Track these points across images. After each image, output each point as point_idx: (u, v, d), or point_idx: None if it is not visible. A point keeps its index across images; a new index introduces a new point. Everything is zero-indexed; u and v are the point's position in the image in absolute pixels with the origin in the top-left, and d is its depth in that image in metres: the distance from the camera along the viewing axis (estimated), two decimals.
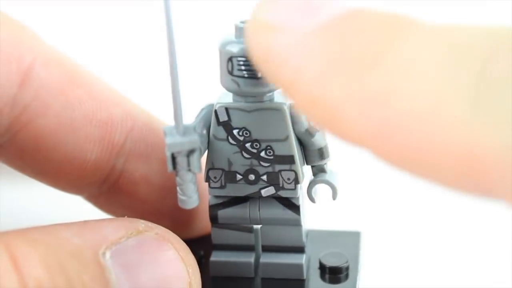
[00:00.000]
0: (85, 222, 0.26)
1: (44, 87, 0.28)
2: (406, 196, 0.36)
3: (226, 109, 0.28)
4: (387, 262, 0.33)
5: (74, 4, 0.50)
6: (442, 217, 0.35)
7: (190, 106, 0.29)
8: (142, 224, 0.26)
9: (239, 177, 0.28)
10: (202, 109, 0.29)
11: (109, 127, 0.30)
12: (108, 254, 0.25)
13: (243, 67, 0.27)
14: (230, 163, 0.28)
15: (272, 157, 0.28)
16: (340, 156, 0.31)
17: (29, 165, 0.30)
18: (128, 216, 0.30)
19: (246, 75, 0.27)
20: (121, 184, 0.31)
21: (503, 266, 0.32)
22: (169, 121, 0.27)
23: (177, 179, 0.27)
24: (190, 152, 0.26)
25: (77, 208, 0.32)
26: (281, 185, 0.28)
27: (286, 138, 0.28)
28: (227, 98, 0.28)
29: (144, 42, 0.48)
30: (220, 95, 0.28)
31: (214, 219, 0.29)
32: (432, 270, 0.32)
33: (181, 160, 0.26)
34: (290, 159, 0.28)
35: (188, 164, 0.26)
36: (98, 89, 0.30)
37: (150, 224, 0.27)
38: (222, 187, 0.29)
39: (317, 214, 0.32)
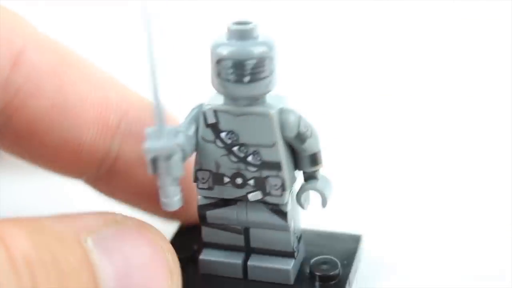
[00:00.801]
0: (64, 214, 0.26)
1: (36, 70, 0.28)
2: (408, 199, 0.35)
3: (215, 111, 0.27)
4: (388, 265, 0.32)
5: (64, 4, 0.50)
6: (443, 220, 0.34)
7: (184, 105, 0.29)
8: (119, 215, 0.27)
9: (226, 179, 0.28)
10: (193, 109, 0.28)
11: (103, 108, 0.30)
12: (89, 240, 0.25)
13: (230, 70, 0.26)
14: (218, 165, 0.28)
15: (259, 163, 0.27)
16: (341, 159, 0.30)
17: (26, 150, 0.30)
18: (126, 199, 0.30)
19: (232, 79, 0.26)
20: (118, 167, 0.31)
21: (504, 271, 0.31)
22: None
23: (158, 181, 0.26)
24: (169, 157, 0.26)
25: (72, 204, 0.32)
26: (267, 191, 0.28)
27: (273, 145, 0.27)
28: (219, 99, 0.28)
29: (126, 41, 0.48)
30: (212, 95, 0.28)
31: (203, 219, 0.29)
32: (433, 273, 0.31)
33: (161, 164, 0.26)
34: (277, 166, 0.27)
35: (168, 168, 0.26)
36: (92, 72, 0.30)
37: (127, 216, 0.27)
38: (210, 188, 0.28)
39: (320, 214, 0.32)
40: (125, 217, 0.27)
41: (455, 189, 0.36)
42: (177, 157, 0.26)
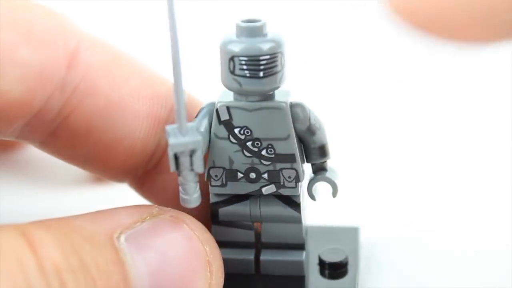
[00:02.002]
0: (99, 211, 0.26)
1: (91, 68, 0.29)
2: (405, 192, 0.37)
3: (228, 108, 0.28)
4: (385, 257, 0.33)
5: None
6: (442, 213, 0.35)
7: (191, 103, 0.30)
8: (156, 208, 0.27)
9: (240, 175, 0.29)
10: (203, 108, 0.29)
11: (154, 103, 0.30)
12: (122, 238, 0.25)
13: (245, 67, 0.27)
14: (231, 162, 0.28)
15: (273, 156, 0.28)
16: (340, 154, 0.31)
17: (80, 150, 0.30)
18: (170, 198, 0.30)
19: (248, 75, 0.27)
20: (165, 163, 0.30)
21: (505, 265, 0.32)
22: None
23: (180, 178, 0.27)
24: (193, 152, 0.26)
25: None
26: (282, 183, 0.29)
27: (287, 137, 0.28)
28: (228, 96, 0.28)
29: (148, 40, 0.48)
30: (221, 93, 0.28)
31: (214, 217, 0.30)
32: (432, 266, 0.32)
33: (184, 160, 0.26)
34: (291, 158, 0.28)
35: (191, 164, 0.26)
36: (141, 68, 0.30)
37: (164, 208, 0.27)
38: (223, 185, 0.29)
39: (316, 210, 0.33)
40: (162, 209, 0.27)
41: (453, 185, 0.37)
42: (199, 153, 0.26)
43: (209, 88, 0.29)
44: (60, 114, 0.29)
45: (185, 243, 0.26)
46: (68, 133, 0.29)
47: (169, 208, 0.27)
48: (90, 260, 0.24)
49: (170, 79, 0.25)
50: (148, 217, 0.26)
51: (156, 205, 0.27)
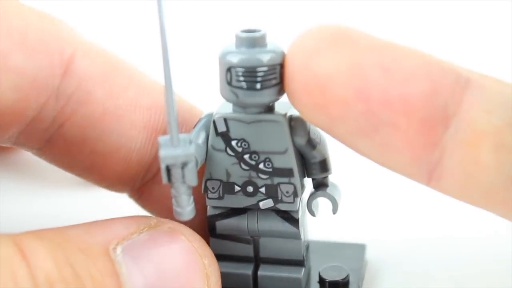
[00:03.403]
0: (95, 221, 0.26)
1: (86, 76, 0.28)
2: (413, 207, 0.36)
3: (225, 119, 0.27)
4: (391, 278, 0.32)
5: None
6: (449, 229, 0.34)
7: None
8: (153, 219, 0.26)
9: (237, 188, 0.28)
10: (201, 119, 0.28)
11: (152, 113, 0.29)
12: (119, 249, 0.25)
13: (241, 78, 0.26)
14: (228, 174, 0.28)
15: (271, 170, 0.28)
16: (345, 167, 0.30)
17: (76, 159, 0.30)
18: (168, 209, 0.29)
19: (245, 86, 0.26)
20: None
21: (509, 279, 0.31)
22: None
23: (172, 190, 0.26)
24: (184, 165, 0.25)
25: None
26: (279, 198, 0.28)
27: (285, 151, 0.27)
28: (227, 107, 0.28)
29: (148, 46, 0.48)
30: (220, 104, 0.28)
31: (212, 230, 0.29)
32: (439, 282, 0.31)
33: (176, 172, 0.26)
34: (289, 172, 0.27)
35: (183, 176, 0.26)
36: (139, 77, 0.30)
37: (162, 219, 0.27)
38: (220, 198, 0.28)
39: (323, 225, 0.32)
40: (160, 220, 0.26)
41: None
42: (192, 165, 0.26)
43: (211, 97, 0.29)
44: (55, 122, 0.28)
45: (183, 256, 0.26)
46: (63, 141, 0.29)
47: (168, 220, 0.27)
48: (84, 272, 0.23)
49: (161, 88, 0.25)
50: (146, 228, 0.26)
51: (154, 217, 0.27)
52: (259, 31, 0.27)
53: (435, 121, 0.24)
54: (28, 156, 0.40)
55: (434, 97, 0.24)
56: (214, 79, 0.28)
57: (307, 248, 0.30)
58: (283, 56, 0.26)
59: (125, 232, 0.25)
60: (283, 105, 0.28)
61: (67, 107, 0.28)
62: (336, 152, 0.29)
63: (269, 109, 0.27)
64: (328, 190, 0.29)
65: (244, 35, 0.26)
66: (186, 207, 0.26)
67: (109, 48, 0.29)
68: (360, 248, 0.32)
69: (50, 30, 0.28)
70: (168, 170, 0.26)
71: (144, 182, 0.31)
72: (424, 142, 0.24)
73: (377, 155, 0.25)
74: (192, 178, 0.26)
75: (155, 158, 0.30)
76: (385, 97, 0.24)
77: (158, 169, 0.30)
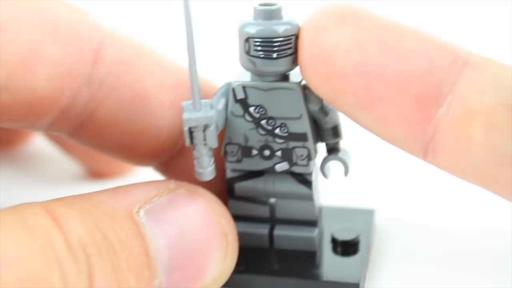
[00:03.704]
0: (117, 187, 0.27)
1: (115, 62, 0.30)
2: (420, 174, 0.37)
3: (243, 87, 0.29)
4: (399, 239, 0.34)
5: None
6: (456, 196, 0.36)
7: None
8: (172, 183, 0.28)
9: (254, 152, 0.30)
10: (221, 87, 0.30)
11: (178, 91, 0.31)
12: (142, 212, 0.26)
13: (259, 48, 0.28)
14: (246, 139, 0.30)
15: (286, 134, 0.29)
16: (355, 136, 0.32)
17: (107, 140, 0.31)
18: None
19: (262, 55, 0.28)
20: (189, 147, 0.31)
21: None
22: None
23: (194, 152, 0.28)
24: (206, 127, 0.27)
25: None
26: (294, 161, 0.30)
27: (300, 117, 0.29)
28: (246, 76, 0.30)
29: (162, 20, 0.49)
30: (239, 73, 0.30)
31: (231, 192, 0.31)
32: (445, 255, 0.33)
33: (198, 135, 0.27)
34: (303, 137, 0.29)
35: (204, 139, 0.28)
36: (163, 59, 0.31)
37: (180, 182, 0.28)
38: (238, 161, 0.30)
39: (333, 191, 0.34)
40: (178, 183, 0.28)
41: None
42: (212, 128, 0.27)
43: (227, 70, 0.30)
44: (87, 108, 0.30)
45: (201, 216, 0.27)
46: (95, 125, 0.30)
47: (185, 183, 0.28)
48: (112, 234, 0.25)
49: (184, 56, 0.26)
50: (165, 192, 0.27)
51: (173, 180, 0.28)
52: (275, 4, 0.28)
53: (429, 97, 0.26)
54: (27, 151, 0.42)
55: (429, 75, 0.26)
56: (232, 52, 0.30)
57: (320, 211, 0.32)
58: (298, 28, 0.28)
59: (147, 196, 0.27)
60: (298, 74, 0.30)
61: (99, 93, 0.30)
62: (348, 119, 0.31)
63: (285, 77, 0.29)
64: (340, 154, 0.30)
65: (261, 8, 0.28)
66: (207, 168, 0.28)
67: (132, 34, 0.31)
68: (369, 213, 0.34)
69: (79, 20, 0.29)
70: (190, 132, 0.28)
71: (171, 156, 0.32)
72: (418, 117, 0.26)
73: (376, 128, 0.27)
74: (213, 140, 0.28)
75: (182, 134, 0.31)
76: (382, 72, 0.26)
77: (184, 144, 0.32)
